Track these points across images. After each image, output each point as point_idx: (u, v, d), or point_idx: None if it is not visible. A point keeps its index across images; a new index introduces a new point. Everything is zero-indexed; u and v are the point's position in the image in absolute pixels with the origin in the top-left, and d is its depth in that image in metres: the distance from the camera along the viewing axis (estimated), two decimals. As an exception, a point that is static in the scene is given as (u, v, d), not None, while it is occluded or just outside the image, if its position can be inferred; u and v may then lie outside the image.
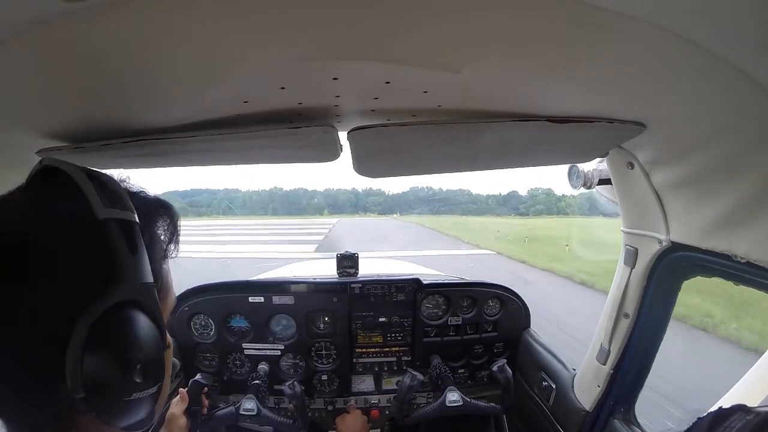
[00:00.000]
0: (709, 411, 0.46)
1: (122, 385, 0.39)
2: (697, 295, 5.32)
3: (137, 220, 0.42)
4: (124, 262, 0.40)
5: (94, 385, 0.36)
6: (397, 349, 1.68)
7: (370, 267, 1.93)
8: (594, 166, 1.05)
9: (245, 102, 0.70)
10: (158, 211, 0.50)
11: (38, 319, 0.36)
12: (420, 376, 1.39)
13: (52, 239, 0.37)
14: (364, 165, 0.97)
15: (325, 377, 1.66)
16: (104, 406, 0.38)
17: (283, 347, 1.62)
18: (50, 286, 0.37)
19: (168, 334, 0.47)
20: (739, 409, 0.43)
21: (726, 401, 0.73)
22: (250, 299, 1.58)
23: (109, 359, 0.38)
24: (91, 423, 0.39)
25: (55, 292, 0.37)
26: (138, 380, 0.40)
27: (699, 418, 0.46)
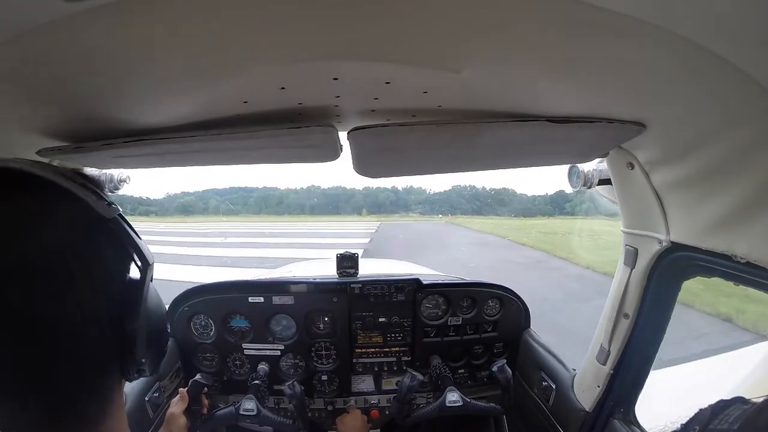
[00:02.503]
0: (709, 404, 0.47)
1: (159, 345, 0.51)
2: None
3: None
4: (141, 246, 0.45)
5: (148, 350, 0.44)
6: (397, 349, 1.68)
7: (370, 267, 1.93)
8: (594, 166, 1.05)
9: (245, 102, 0.70)
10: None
11: (94, 312, 0.39)
12: (420, 377, 1.39)
13: (81, 251, 0.40)
14: (364, 165, 0.97)
15: (324, 377, 1.66)
16: (151, 363, 0.46)
17: (283, 347, 1.62)
18: (105, 283, 0.41)
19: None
20: (738, 400, 0.45)
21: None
22: (250, 299, 1.58)
23: (153, 326, 0.46)
24: (118, 385, 0.44)
25: (111, 285, 0.42)
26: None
27: (701, 409, 0.48)
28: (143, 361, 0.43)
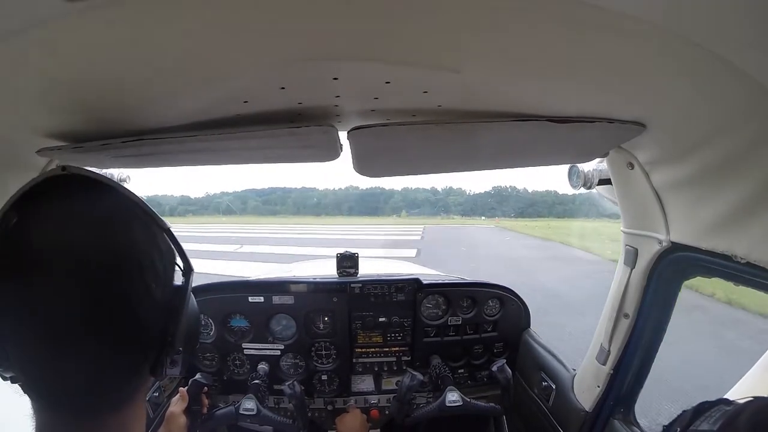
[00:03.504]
0: (692, 405, 0.48)
1: (194, 341, 0.59)
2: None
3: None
4: (186, 254, 0.52)
5: (185, 339, 0.51)
6: (397, 349, 1.68)
7: (370, 267, 1.93)
8: (594, 166, 1.05)
9: (245, 102, 0.70)
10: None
11: (153, 303, 0.46)
12: (420, 376, 1.39)
13: (151, 253, 0.46)
14: (364, 165, 0.98)
15: (324, 377, 1.66)
16: (182, 361, 0.51)
17: (283, 347, 1.62)
18: (163, 281, 0.47)
19: None
20: (721, 401, 0.46)
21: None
22: (250, 299, 1.58)
23: (190, 327, 0.53)
24: (146, 381, 0.49)
25: (166, 283, 0.48)
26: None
27: (683, 411, 0.48)
28: (180, 350, 0.49)
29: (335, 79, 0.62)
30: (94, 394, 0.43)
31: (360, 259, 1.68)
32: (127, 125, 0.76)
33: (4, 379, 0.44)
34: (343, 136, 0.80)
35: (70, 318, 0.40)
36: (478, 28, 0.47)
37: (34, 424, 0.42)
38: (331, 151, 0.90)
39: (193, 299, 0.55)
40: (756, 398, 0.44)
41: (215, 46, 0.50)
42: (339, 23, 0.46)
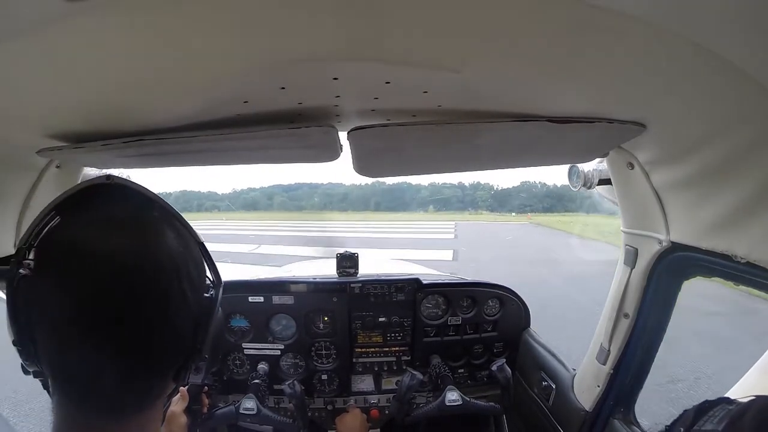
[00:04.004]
0: (694, 404, 0.48)
1: (214, 354, 0.61)
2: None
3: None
4: (217, 267, 0.55)
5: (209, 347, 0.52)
6: (396, 348, 1.68)
7: (369, 267, 1.93)
8: (594, 166, 1.05)
9: (245, 102, 0.70)
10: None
11: (188, 311, 0.47)
12: (420, 376, 1.39)
13: (188, 263, 0.48)
14: (364, 165, 0.98)
15: (324, 377, 1.66)
16: (208, 363, 0.54)
17: (282, 347, 1.62)
18: (197, 290, 0.50)
19: None
20: (723, 400, 0.46)
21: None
22: (250, 299, 1.58)
23: (215, 337, 0.55)
24: (168, 388, 0.50)
25: (200, 293, 0.50)
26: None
27: (685, 410, 0.48)
28: (205, 357, 0.51)
29: (335, 79, 0.62)
30: (123, 395, 0.44)
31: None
32: (127, 125, 0.76)
33: (26, 373, 0.45)
34: (343, 136, 0.80)
35: (109, 319, 0.41)
36: (478, 28, 0.47)
37: (53, 419, 0.43)
38: (331, 152, 0.90)
39: (220, 310, 0.57)
40: (759, 397, 0.43)
41: (215, 47, 0.50)
42: (339, 23, 0.46)
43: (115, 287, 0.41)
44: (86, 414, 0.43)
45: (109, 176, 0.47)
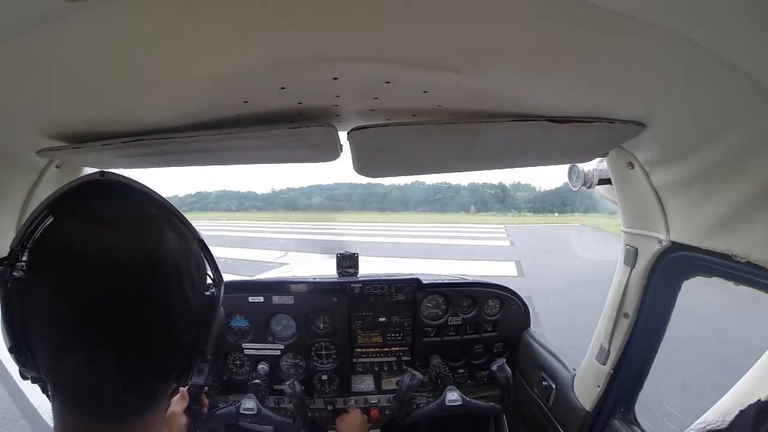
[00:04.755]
0: (749, 404, 0.44)
1: (216, 354, 0.55)
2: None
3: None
4: (217, 266, 0.53)
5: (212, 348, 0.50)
6: (396, 349, 1.68)
7: (370, 267, 1.93)
8: (594, 166, 1.05)
9: (245, 102, 0.70)
10: None
11: (189, 310, 0.46)
12: (420, 376, 1.39)
13: (188, 261, 0.47)
14: (364, 165, 0.97)
15: (325, 377, 1.66)
16: (211, 364, 0.52)
17: (283, 347, 1.62)
18: (198, 289, 0.48)
19: None
20: None
21: (728, 399, 0.73)
22: (250, 299, 1.58)
23: (217, 336, 0.53)
24: (170, 390, 0.49)
25: (201, 292, 0.49)
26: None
27: (741, 411, 0.44)
28: (209, 358, 0.49)
29: (335, 79, 0.62)
30: (124, 399, 0.43)
31: (360, 259, 1.67)
32: (127, 125, 0.76)
33: (25, 378, 0.44)
34: (343, 136, 0.80)
35: (107, 322, 0.39)
36: (478, 28, 0.47)
37: (54, 424, 0.42)
38: (331, 151, 0.90)
39: (222, 310, 0.55)
40: None
41: (215, 46, 0.50)
42: (339, 23, 0.46)
43: (112, 288, 0.40)
44: (87, 419, 0.42)
45: (103, 172, 0.45)
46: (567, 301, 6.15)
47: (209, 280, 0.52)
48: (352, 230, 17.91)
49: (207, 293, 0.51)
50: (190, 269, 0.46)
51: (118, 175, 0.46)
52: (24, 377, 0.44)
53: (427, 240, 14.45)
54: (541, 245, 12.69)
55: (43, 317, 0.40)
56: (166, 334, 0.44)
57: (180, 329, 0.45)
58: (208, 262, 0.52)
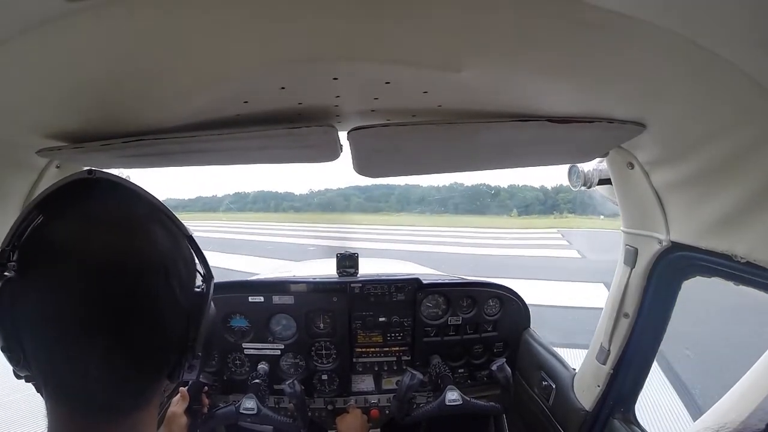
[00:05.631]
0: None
1: (207, 352, 0.57)
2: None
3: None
4: (208, 262, 0.52)
5: (202, 345, 0.50)
6: (397, 348, 1.68)
7: (370, 267, 1.93)
8: (594, 166, 1.05)
9: (245, 102, 0.70)
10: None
11: (176, 307, 0.46)
12: (420, 376, 1.39)
13: (176, 258, 0.47)
14: (364, 165, 0.97)
15: (325, 377, 1.66)
16: (202, 360, 0.50)
17: (283, 347, 1.62)
18: (186, 285, 0.48)
19: None
20: None
21: (724, 404, 0.73)
22: (250, 299, 1.58)
23: (207, 333, 0.52)
24: (161, 388, 0.48)
25: (189, 288, 0.49)
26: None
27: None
28: (199, 355, 0.48)
29: (335, 79, 0.62)
30: (114, 397, 0.43)
31: (360, 259, 1.67)
32: (127, 125, 0.76)
33: (18, 377, 0.44)
34: (343, 136, 0.80)
35: (95, 321, 0.40)
36: (478, 28, 0.47)
37: (48, 423, 0.42)
38: (331, 152, 0.90)
39: (212, 305, 0.55)
40: None
41: (215, 46, 0.50)
42: (339, 23, 0.46)
43: (100, 287, 0.40)
44: (78, 418, 0.42)
45: (90, 170, 0.44)
46: (720, 349, 4.28)
47: (199, 277, 0.52)
48: (394, 236, 16.02)
49: (196, 290, 0.51)
50: (178, 267, 0.46)
51: (106, 173, 0.45)
52: (18, 376, 0.44)
53: (480, 250, 12.09)
54: (609, 257, 9.81)
55: (33, 316, 0.40)
56: (154, 331, 0.44)
57: (168, 327, 0.45)
58: (198, 259, 0.52)
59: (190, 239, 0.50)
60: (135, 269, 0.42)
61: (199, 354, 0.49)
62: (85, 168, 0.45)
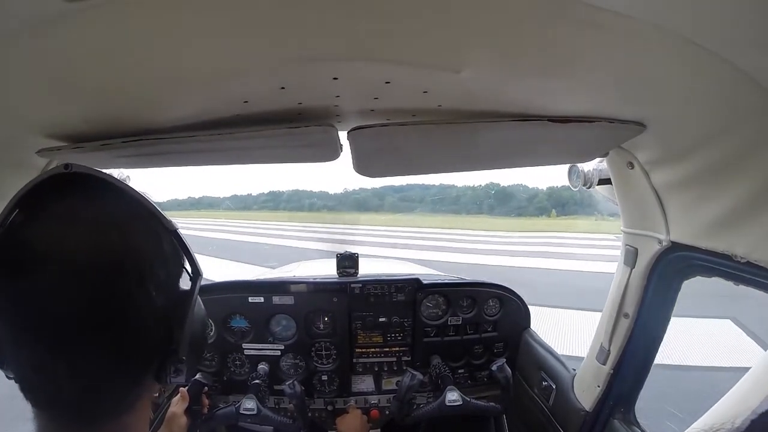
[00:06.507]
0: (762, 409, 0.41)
1: (200, 347, 0.56)
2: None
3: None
4: (195, 258, 0.50)
5: (190, 346, 0.47)
6: (397, 349, 1.68)
7: (370, 267, 1.93)
8: (594, 166, 1.05)
9: (245, 102, 0.70)
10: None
11: (153, 308, 0.43)
12: (420, 376, 1.39)
13: (152, 256, 0.45)
14: (364, 165, 0.98)
15: (325, 377, 1.66)
16: (189, 365, 0.47)
17: (283, 347, 1.62)
18: (165, 284, 0.46)
19: None
20: None
21: (722, 406, 0.72)
22: (250, 299, 1.58)
23: (196, 333, 0.50)
24: (150, 389, 0.47)
25: (169, 287, 0.47)
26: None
27: (758, 415, 0.41)
28: (183, 359, 0.46)
29: (335, 79, 0.62)
30: (90, 401, 0.41)
31: (360, 259, 1.67)
32: (127, 125, 0.76)
33: (9, 378, 0.43)
34: (343, 136, 0.80)
35: (64, 322, 0.38)
36: (478, 28, 0.47)
37: (35, 427, 0.42)
38: (331, 151, 0.90)
39: (200, 304, 0.53)
40: None
41: (215, 47, 0.50)
42: (339, 23, 0.46)
43: (71, 290, 0.38)
44: (59, 423, 0.41)
45: (67, 165, 0.42)
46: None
47: (185, 275, 0.49)
48: (433, 241, 14.25)
49: (181, 288, 0.48)
50: (153, 266, 0.44)
51: (84, 167, 0.43)
52: (9, 377, 0.43)
53: (539, 262, 10.00)
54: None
55: (7, 319, 0.39)
56: (127, 335, 0.42)
57: (145, 329, 0.43)
58: (185, 255, 0.49)
59: (174, 233, 0.48)
60: (105, 271, 0.40)
61: (184, 357, 0.46)
62: (62, 163, 0.43)
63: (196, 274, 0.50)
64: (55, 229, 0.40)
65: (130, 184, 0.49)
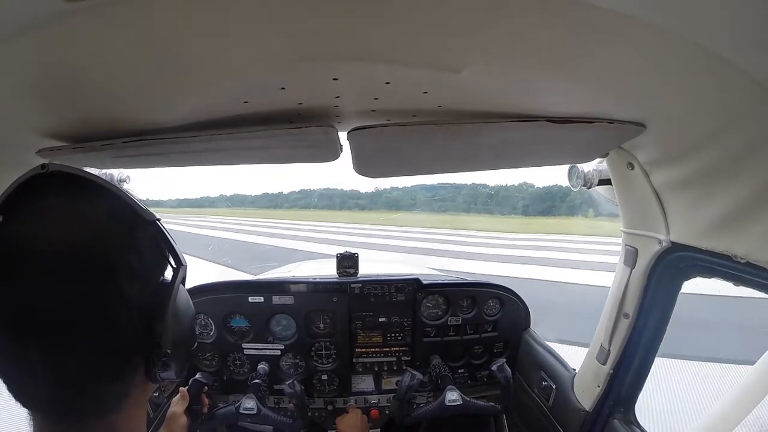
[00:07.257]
0: None
1: (188, 340, 0.55)
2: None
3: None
4: (177, 249, 0.50)
5: (174, 348, 0.47)
6: (396, 349, 1.68)
7: (370, 267, 1.93)
8: (594, 166, 1.05)
9: (245, 102, 0.70)
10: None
11: (129, 302, 0.43)
12: (420, 376, 1.39)
13: (126, 250, 0.44)
14: (364, 165, 0.97)
15: (324, 377, 1.66)
16: (177, 359, 0.48)
17: (282, 347, 1.62)
18: (142, 277, 0.45)
19: None
20: None
21: (719, 411, 0.72)
22: (250, 299, 1.58)
23: (182, 325, 0.50)
24: (142, 384, 0.47)
25: (147, 280, 0.46)
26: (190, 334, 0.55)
27: None
28: (168, 353, 0.46)
29: (335, 79, 0.62)
30: (71, 400, 0.41)
31: (360, 259, 1.67)
32: (127, 125, 0.76)
33: None
34: (343, 136, 0.80)
35: (38, 320, 0.39)
36: (478, 28, 0.47)
37: (31, 426, 0.42)
38: (331, 152, 0.90)
39: (187, 297, 0.53)
40: None
41: (215, 46, 0.50)
42: (339, 23, 0.46)
43: (45, 289, 0.39)
44: (48, 422, 0.42)
45: (44, 165, 0.43)
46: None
47: (168, 265, 0.49)
48: (472, 248, 12.97)
49: (162, 280, 0.48)
50: (128, 260, 0.44)
51: (61, 165, 0.44)
52: None
53: (593, 277, 8.12)
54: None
55: None
56: (101, 329, 0.41)
57: (118, 322, 0.42)
58: (166, 247, 0.49)
59: (154, 225, 0.47)
60: (73, 267, 0.40)
61: (169, 351, 0.46)
62: (39, 164, 0.44)
63: (179, 264, 0.49)
64: (29, 228, 0.40)
65: (130, 185, 0.49)
